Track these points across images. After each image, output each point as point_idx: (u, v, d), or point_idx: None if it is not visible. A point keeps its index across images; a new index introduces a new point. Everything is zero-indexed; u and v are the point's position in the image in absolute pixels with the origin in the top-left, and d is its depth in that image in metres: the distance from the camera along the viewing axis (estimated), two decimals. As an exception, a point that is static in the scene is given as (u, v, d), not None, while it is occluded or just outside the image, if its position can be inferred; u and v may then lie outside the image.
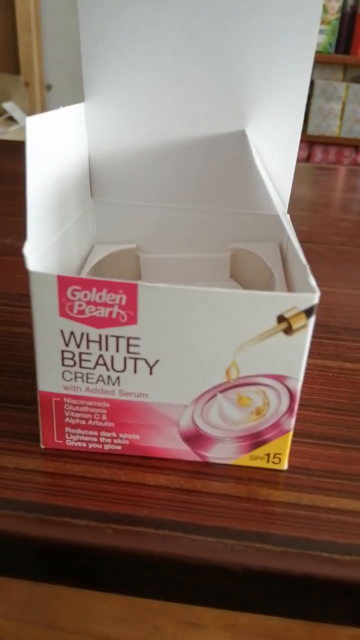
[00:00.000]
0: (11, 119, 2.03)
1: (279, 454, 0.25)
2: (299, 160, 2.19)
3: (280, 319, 0.22)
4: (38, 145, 0.23)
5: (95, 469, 0.25)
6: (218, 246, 0.32)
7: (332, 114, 2.13)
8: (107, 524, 0.22)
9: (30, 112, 2.11)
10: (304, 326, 0.22)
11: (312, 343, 0.36)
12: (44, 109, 2.25)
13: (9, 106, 2.03)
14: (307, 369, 0.33)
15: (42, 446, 0.25)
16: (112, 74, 0.28)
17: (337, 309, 0.42)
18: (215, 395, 0.23)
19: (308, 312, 0.21)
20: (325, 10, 2.01)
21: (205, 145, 0.29)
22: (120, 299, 0.21)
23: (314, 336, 0.37)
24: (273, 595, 0.21)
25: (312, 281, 0.21)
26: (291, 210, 0.69)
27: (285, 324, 0.22)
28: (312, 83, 2.13)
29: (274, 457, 0.25)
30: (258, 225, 0.32)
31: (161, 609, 0.24)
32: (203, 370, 0.23)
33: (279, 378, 0.23)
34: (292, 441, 0.27)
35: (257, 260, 0.31)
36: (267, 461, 0.25)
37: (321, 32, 2.05)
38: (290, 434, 0.24)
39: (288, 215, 0.27)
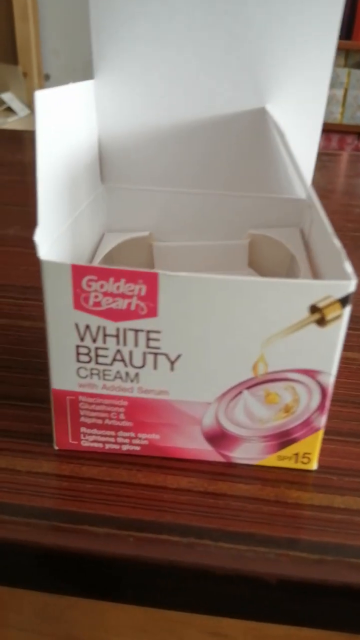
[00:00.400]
0: (10, 110, 2.01)
1: (309, 453, 0.23)
2: (301, 148, 2.16)
3: (313, 309, 0.20)
4: (48, 125, 0.21)
5: (114, 471, 0.23)
6: (235, 233, 0.31)
7: (334, 101, 2.10)
8: (128, 531, 0.21)
9: (29, 102, 2.08)
10: (339, 316, 0.20)
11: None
12: (42, 99, 2.21)
13: (7, 97, 2.00)
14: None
15: (56, 447, 0.24)
16: (123, 49, 0.26)
17: (358, 297, 0.40)
18: (241, 392, 0.22)
19: (344, 301, 0.20)
20: (326, -6, 1.97)
21: (222, 125, 0.28)
22: (140, 289, 0.20)
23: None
24: (310, 607, 0.20)
25: (349, 267, 0.20)
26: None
27: (318, 315, 0.20)
28: (314, 69, 2.10)
29: (303, 457, 0.23)
30: (278, 209, 0.30)
31: (185, 619, 0.23)
32: (228, 366, 0.21)
33: (310, 373, 0.21)
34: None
35: (278, 247, 0.29)
36: (296, 461, 0.23)
37: (323, 17, 2.02)
38: (321, 432, 0.23)
39: (315, 195, 0.25)
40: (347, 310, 0.20)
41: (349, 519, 0.22)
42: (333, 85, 2.09)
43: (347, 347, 0.33)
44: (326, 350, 0.21)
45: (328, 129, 2.16)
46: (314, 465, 0.24)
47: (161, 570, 0.20)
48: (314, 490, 0.23)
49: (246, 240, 0.31)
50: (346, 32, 2.03)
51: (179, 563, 0.20)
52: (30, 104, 2.08)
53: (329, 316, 0.20)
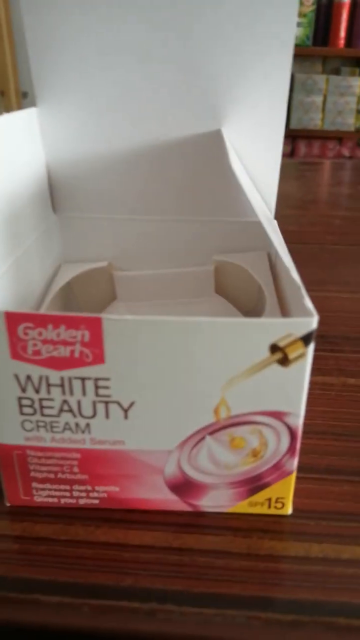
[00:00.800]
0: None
1: (282, 498, 0.21)
2: (282, 155, 2.16)
3: (274, 348, 0.18)
4: (-21, 158, 0.19)
5: (70, 528, 0.21)
6: (200, 259, 0.29)
7: (313, 107, 2.11)
8: (84, 599, 0.19)
9: (8, 121, 2.07)
10: (302, 355, 0.18)
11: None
12: (21, 117, 2.21)
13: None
14: (306, 388, 0.30)
15: (7, 504, 0.22)
16: (66, 72, 0.25)
17: (334, 316, 0.38)
18: (203, 437, 0.20)
19: (306, 339, 0.18)
20: (300, 2, 1.98)
21: (178, 147, 0.26)
22: (83, 335, 0.18)
23: (311, 349, 0.34)
24: None
25: (309, 303, 0.18)
26: (278, 209, 0.66)
27: (280, 354, 0.18)
28: (291, 77, 2.10)
29: (276, 502, 0.22)
30: (243, 233, 0.28)
31: None
32: (187, 411, 0.19)
33: (277, 415, 0.20)
34: (296, 477, 0.24)
35: (244, 273, 0.28)
36: (269, 507, 0.22)
37: (298, 25, 2.02)
38: (294, 475, 0.21)
39: (275, 222, 0.24)
40: (311, 348, 0.18)
41: (327, 570, 0.20)
42: (312, 91, 2.10)
43: (323, 371, 0.32)
44: (292, 391, 0.19)
45: (309, 136, 2.17)
46: (289, 510, 0.22)
47: (119, 645, 0.18)
48: (289, 539, 0.21)
49: (211, 266, 0.29)
50: (322, 38, 2.04)
51: (138, 633, 0.18)
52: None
53: (291, 355, 0.18)
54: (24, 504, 0.22)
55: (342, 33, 2.02)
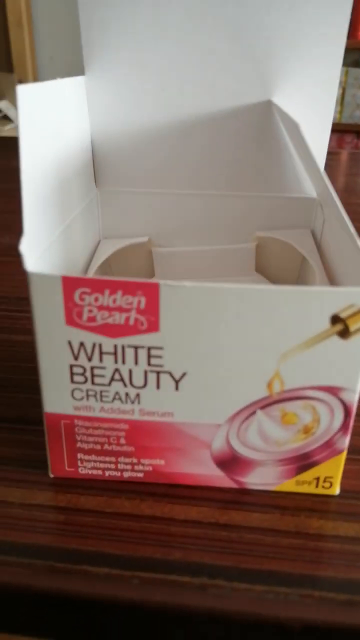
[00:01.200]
0: (6, 118, 1.99)
1: (330, 477, 0.21)
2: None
3: (335, 319, 0.18)
4: (33, 121, 0.19)
5: (115, 501, 0.21)
6: (241, 235, 0.28)
7: (333, 100, 2.09)
8: (133, 571, 0.18)
9: (25, 109, 2.07)
10: (363, 327, 0.18)
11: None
12: (38, 106, 2.20)
13: (4, 105, 1.99)
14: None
15: (51, 475, 0.22)
16: (115, 41, 0.24)
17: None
18: (254, 412, 0.20)
19: (368, 310, 0.18)
20: (322, -7, 1.96)
21: (224, 120, 0.25)
22: (139, 301, 0.18)
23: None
24: (338, 655, 0.18)
25: (373, 272, 0.18)
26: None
27: (341, 326, 0.18)
28: (311, 69, 2.08)
29: (325, 482, 0.21)
30: (286, 210, 0.28)
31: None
32: (240, 384, 0.19)
33: (332, 390, 0.19)
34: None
35: (288, 250, 0.27)
36: (316, 486, 0.21)
37: (319, 16, 2.00)
38: (344, 454, 0.21)
39: (333, 190, 0.23)
40: (372, 320, 0.18)
41: (377, 550, 0.19)
42: (331, 84, 2.08)
43: None
44: (350, 365, 0.19)
45: (327, 129, 2.15)
46: (336, 491, 0.21)
47: (170, 616, 0.18)
48: (338, 519, 0.21)
49: (253, 244, 0.29)
50: (343, 31, 2.02)
51: (189, 607, 0.17)
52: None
53: (352, 327, 0.18)
54: (68, 475, 0.22)
55: (364, 25, 1.99)
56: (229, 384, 0.19)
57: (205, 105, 0.25)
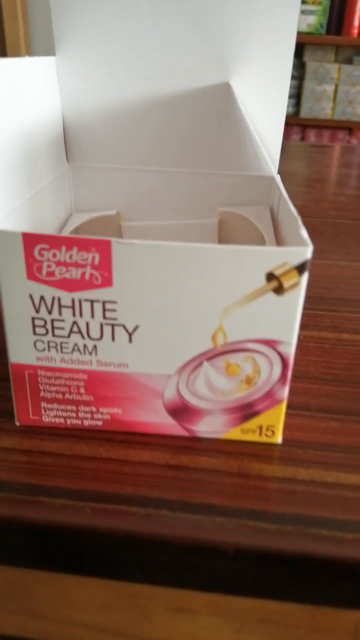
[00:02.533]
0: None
1: (272, 426, 0.23)
2: (292, 140, 2.16)
3: (270, 276, 0.20)
4: (1, 91, 0.21)
5: (75, 446, 0.23)
6: (205, 211, 0.30)
7: (324, 96, 2.10)
8: (85, 502, 0.20)
9: (19, 100, 2.08)
10: (297, 284, 0.20)
11: (308, 315, 0.35)
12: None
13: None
14: (302, 340, 0.32)
15: (17, 423, 0.24)
16: (83, 25, 0.26)
17: (333, 281, 0.40)
18: (201, 363, 0.22)
19: (300, 269, 0.20)
20: (316, -11, 1.97)
21: (187, 101, 0.27)
22: (93, 258, 0.19)
23: (310, 308, 0.35)
24: (268, 577, 0.20)
25: (304, 233, 0.20)
26: (285, 185, 0.67)
27: (275, 283, 0.20)
28: (303, 65, 2.10)
29: (267, 430, 0.23)
30: (247, 187, 0.30)
31: (150, 594, 0.23)
32: (187, 336, 0.21)
33: (270, 343, 0.21)
34: (287, 414, 0.25)
35: (247, 224, 0.29)
36: (260, 434, 0.23)
37: (312, 12, 2.02)
38: (284, 404, 0.23)
39: (278, 176, 0.25)
40: (304, 278, 0.20)
41: (312, 490, 0.22)
42: (323, 80, 2.10)
43: (319, 327, 0.33)
44: (285, 320, 0.21)
45: (319, 125, 2.16)
46: (278, 439, 0.23)
47: (117, 541, 0.20)
48: (278, 463, 0.23)
49: (215, 219, 0.30)
50: (336, 27, 2.03)
51: (134, 533, 0.19)
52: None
53: (286, 284, 0.20)
54: (32, 423, 0.23)
55: (357, 22, 2.01)
56: (178, 336, 0.21)
57: (167, 86, 0.27)
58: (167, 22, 0.25)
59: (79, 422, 0.23)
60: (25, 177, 0.23)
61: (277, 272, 0.20)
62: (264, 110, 0.27)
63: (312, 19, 2.02)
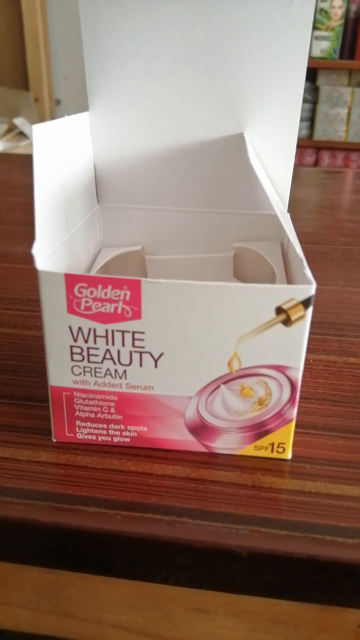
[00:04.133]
0: (22, 134, 2.07)
1: (283, 443, 0.26)
2: (306, 165, 2.20)
3: (279, 310, 0.23)
4: (45, 152, 0.24)
5: (105, 460, 0.26)
6: (221, 246, 0.33)
7: (338, 119, 2.14)
8: (116, 510, 0.23)
9: (40, 126, 2.14)
10: (302, 317, 0.23)
11: (317, 340, 0.37)
12: (53, 123, 2.28)
13: (19, 121, 2.07)
14: (311, 364, 0.34)
15: (54, 440, 0.26)
16: (114, 84, 0.29)
17: (342, 306, 0.42)
18: (218, 386, 0.24)
19: (305, 303, 0.22)
20: (328, 16, 2.02)
21: (205, 149, 0.30)
22: (125, 294, 0.22)
23: (319, 333, 0.38)
24: (278, 578, 0.22)
25: (309, 273, 0.22)
26: (296, 212, 0.70)
27: (283, 315, 0.23)
28: (317, 89, 2.14)
29: (278, 447, 0.26)
30: (259, 224, 0.33)
31: (171, 595, 0.25)
32: (206, 362, 0.24)
33: (280, 368, 0.24)
34: (297, 432, 0.28)
35: (259, 258, 0.32)
36: (271, 451, 0.26)
37: (325, 38, 2.07)
38: (293, 423, 0.25)
39: (288, 214, 0.28)
40: (309, 311, 0.22)
41: (318, 501, 0.24)
42: (337, 104, 2.14)
43: (327, 351, 0.36)
44: (293, 348, 0.23)
45: (333, 147, 2.20)
46: (288, 455, 0.26)
47: (144, 544, 0.22)
48: (287, 477, 0.25)
49: (231, 253, 0.33)
50: (349, 52, 2.08)
51: (159, 538, 0.22)
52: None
53: (293, 317, 0.23)
54: (68, 440, 0.26)
55: (369, 47, 2.05)
56: (197, 362, 0.24)
57: (188, 136, 0.30)
58: (188, 81, 0.29)
59: (109, 439, 0.26)
60: (64, 221, 0.26)
61: (285, 307, 0.22)
62: (274, 153, 0.30)
63: (325, 45, 2.07)
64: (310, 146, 2.20)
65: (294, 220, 0.66)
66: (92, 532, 0.22)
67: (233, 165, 0.31)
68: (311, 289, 0.22)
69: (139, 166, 0.31)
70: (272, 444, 0.26)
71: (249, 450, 0.26)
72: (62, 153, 0.26)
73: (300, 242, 0.58)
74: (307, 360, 0.34)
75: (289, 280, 0.27)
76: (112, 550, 0.23)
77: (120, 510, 0.23)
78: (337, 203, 0.75)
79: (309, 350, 0.36)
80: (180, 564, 0.22)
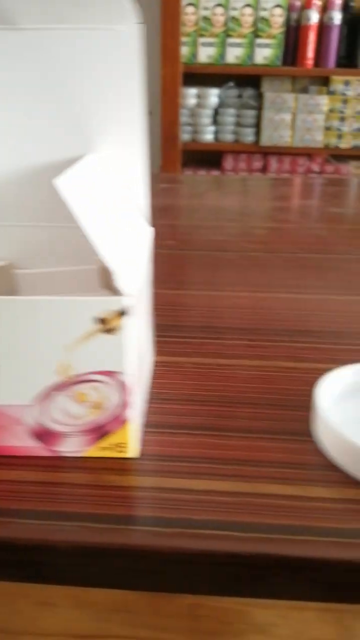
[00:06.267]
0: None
1: (123, 443, 0.27)
2: (254, 170, 2.24)
3: (99, 320, 0.24)
4: None
5: None
6: (86, 258, 0.35)
7: (283, 125, 2.19)
8: None
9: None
10: (120, 326, 0.24)
11: (195, 344, 0.39)
12: None
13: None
14: (183, 366, 0.36)
15: None
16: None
17: (228, 311, 0.44)
18: (55, 393, 0.26)
19: (122, 313, 0.24)
20: (268, 24, 2.08)
21: (56, 169, 0.32)
22: None
23: (197, 337, 0.40)
24: (108, 570, 0.24)
25: (122, 285, 0.24)
26: (214, 221, 0.72)
27: (103, 325, 0.24)
28: (261, 95, 2.19)
29: (119, 447, 0.27)
30: (121, 237, 0.34)
31: (19, 592, 0.26)
32: (39, 371, 0.25)
33: (110, 374, 0.25)
34: (150, 432, 0.29)
35: (120, 270, 0.34)
36: (115, 451, 0.27)
37: (268, 45, 2.12)
38: (130, 424, 0.27)
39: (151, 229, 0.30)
40: (131, 320, 0.24)
41: (157, 495, 0.26)
42: (281, 109, 2.19)
43: (203, 353, 0.38)
44: (119, 355, 0.25)
45: (280, 152, 2.25)
46: (132, 454, 0.28)
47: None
48: (132, 474, 0.27)
49: (96, 265, 0.35)
50: (292, 59, 2.13)
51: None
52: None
53: (113, 325, 0.24)
54: None
55: (310, 54, 2.11)
56: (30, 371, 0.25)
57: (40, 157, 0.32)
58: (41, 112, 0.30)
59: None
60: None
61: (104, 317, 0.24)
62: (125, 170, 0.32)
63: (268, 52, 2.12)
64: (257, 152, 2.24)
65: (208, 228, 0.68)
66: None
67: (88, 183, 0.33)
68: (124, 300, 0.24)
69: (3, 183, 0.33)
70: (114, 444, 0.27)
71: (95, 451, 0.27)
72: None
73: (209, 250, 0.60)
74: (177, 362, 0.36)
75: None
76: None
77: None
78: (255, 210, 0.78)
79: (183, 354, 0.37)
80: (15, 562, 0.24)
